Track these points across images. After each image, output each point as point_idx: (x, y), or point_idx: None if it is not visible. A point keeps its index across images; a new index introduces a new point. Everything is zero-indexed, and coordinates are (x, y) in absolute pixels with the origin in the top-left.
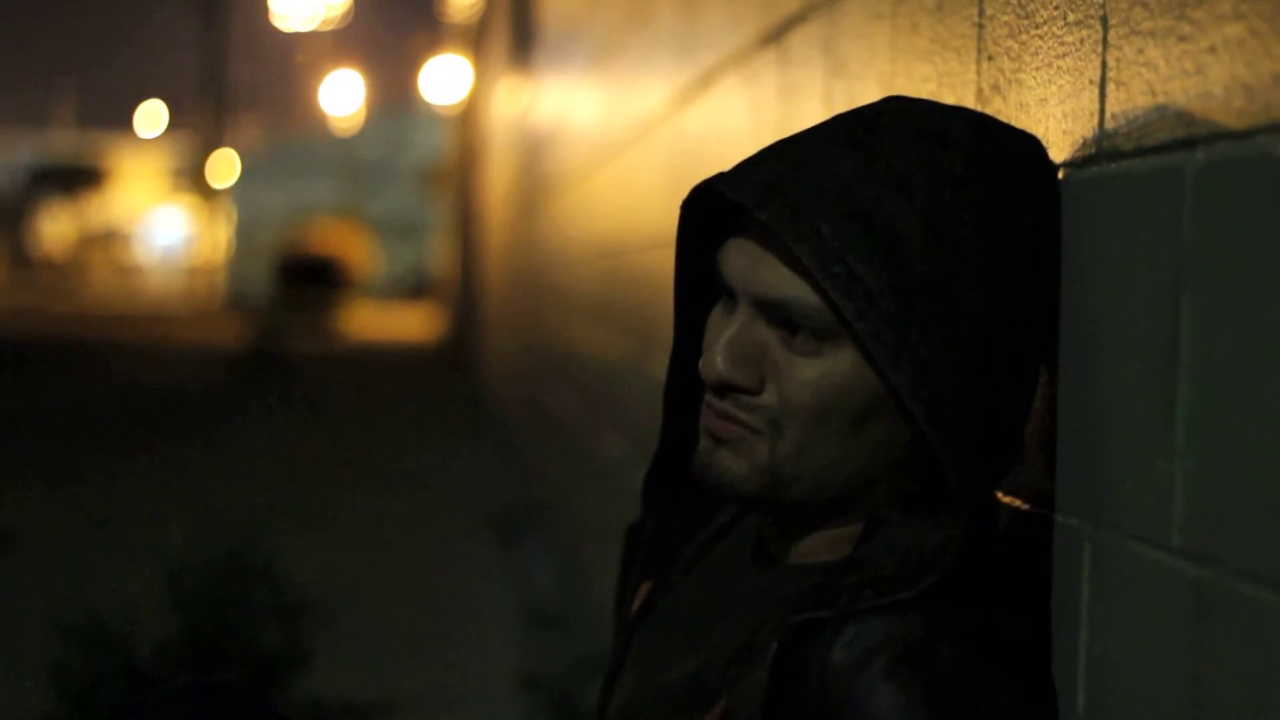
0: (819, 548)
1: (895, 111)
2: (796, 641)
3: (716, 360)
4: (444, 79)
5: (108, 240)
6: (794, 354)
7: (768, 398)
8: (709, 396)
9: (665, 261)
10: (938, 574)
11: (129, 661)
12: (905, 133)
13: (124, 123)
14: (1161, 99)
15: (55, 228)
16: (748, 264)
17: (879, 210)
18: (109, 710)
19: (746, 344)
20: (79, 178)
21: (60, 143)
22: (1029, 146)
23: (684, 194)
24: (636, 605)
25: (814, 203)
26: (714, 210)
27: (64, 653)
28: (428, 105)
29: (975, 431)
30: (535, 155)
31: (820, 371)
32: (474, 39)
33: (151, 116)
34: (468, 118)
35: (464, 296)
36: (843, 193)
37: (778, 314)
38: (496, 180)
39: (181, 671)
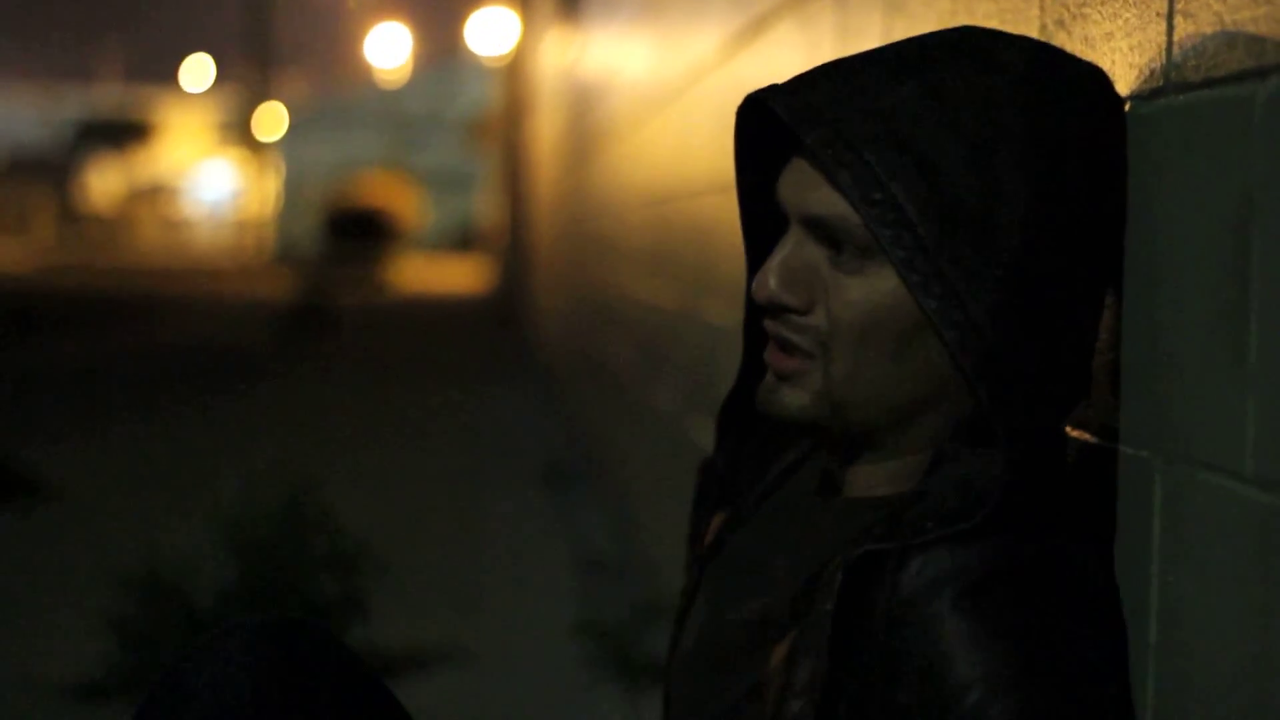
0: (885, 482)
1: (955, 40)
2: (861, 575)
3: (768, 281)
4: (491, 30)
5: (155, 195)
6: (841, 273)
7: (816, 318)
8: (766, 320)
9: (717, 208)
10: (992, 505)
11: (189, 611)
12: (961, 61)
13: (170, 77)
14: (1230, 29)
15: (103, 183)
16: (797, 184)
17: (925, 139)
18: (177, 653)
19: (797, 265)
20: (126, 133)
21: (107, 98)
22: (1091, 78)
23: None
24: (708, 540)
25: (861, 129)
26: (775, 125)
27: (124, 603)
28: (475, 57)
29: (1019, 361)
30: (584, 105)
31: (864, 291)
32: None
33: (198, 71)
34: (515, 69)
35: (513, 248)
36: (891, 120)
37: (824, 232)
38: (545, 131)
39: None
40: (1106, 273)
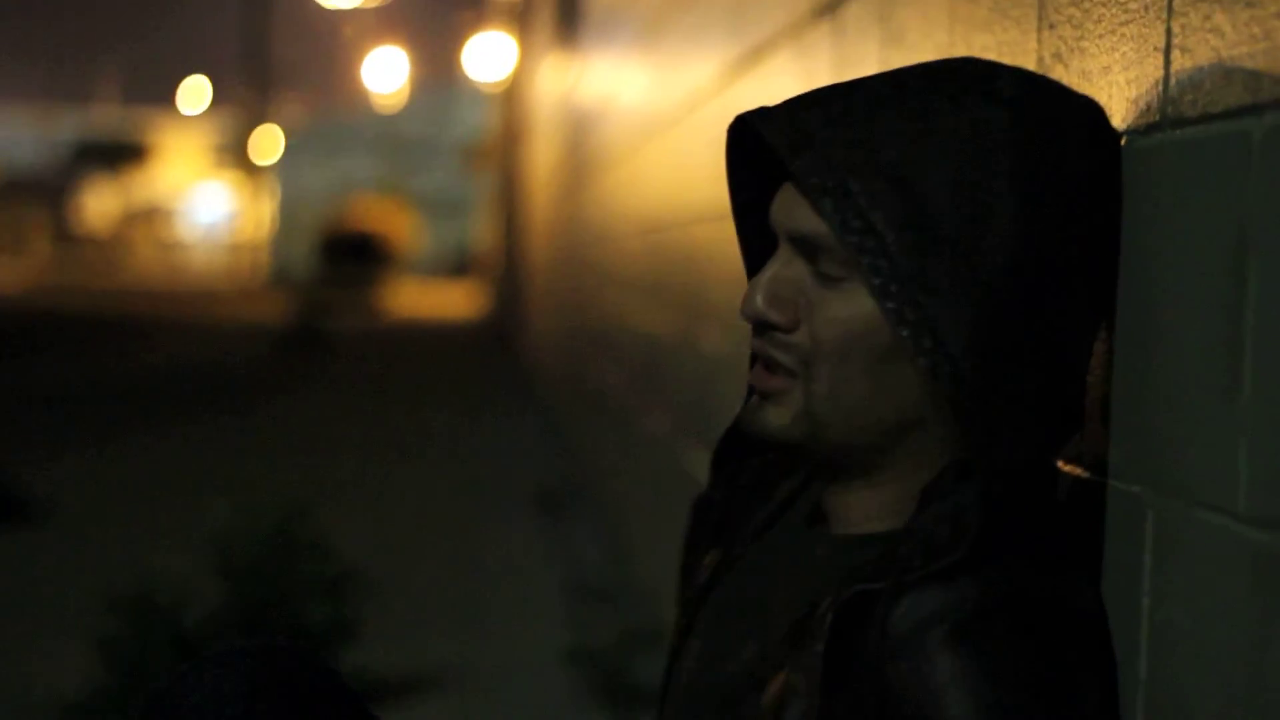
0: (877, 516)
1: (950, 70)
2: (852, 614)
3: (755, 299)
4: (488, 56)
5: (151, 217)
6: (824, 290)
7: (800, 336)
8: (753, 339)
9: (712, 236)
10: (970, 539)
11: (177, 632)
12: (953, 91)
13: (167, 99)
14: (1227, 64)
15: (99, 204)
16: (786, 204)
17: (911, 168)
18: (165, 675)
19: (784, 283)
20: (122, 154)
21: (103, 119)
22: (1086, 110)
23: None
24: (702, 578)
25: (846, 156)
26: (768, 145)
27: (111, 624)
28: (471, 82)
29: (996, 392)
30: (581, 132)
31: (845, 309)
32: (518, 15)
33: (195, 92)
34: (512, 94)
35: (508, 273)
36: (877, 148)
37: (809, 251)
38: (541, 157)
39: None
40: (1098, 306)
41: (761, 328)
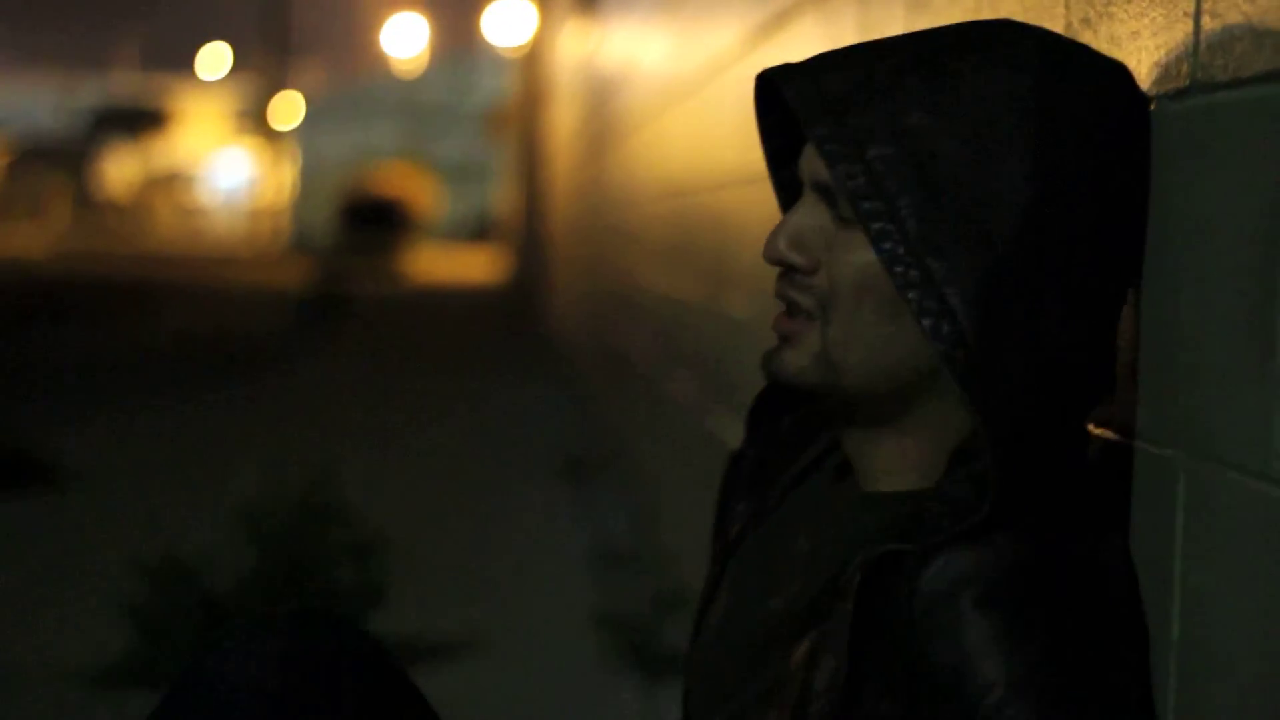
0: (900, 471)
1: (974, 34)
2: (880, 574)
3: (777, 242)
4: (509, 20)
5: (171, 183)
6: (844, 234)
7: (820, 279)
8: (776, 283)
9: (737, 200)
10: (992, 498)
11: (206, 598)
12: (974, 55)
13: (186, 65)
14: (1258, 28)
15: (119, 171)
16: (810, 153)
17: (927, 134)
18: (195, 642)
19: (806, 228)
20: (142, 120)
21: (123, 85)
22: (1113, 75)
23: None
24: (733, 533)
25: (863, 121)
26: None
27: (140, 591)
28: (492, 47)
29: (1002, 358)
30: (603, 97)
31: (864, 255)
32: None
33: (215, 58)
34: (533, 59)
35: (530, 239)
36: (896, 114)
37: (828, 196)
38: (563, 122)
39: (259, 607)
40: (1125, 271)
41: (784, 271)
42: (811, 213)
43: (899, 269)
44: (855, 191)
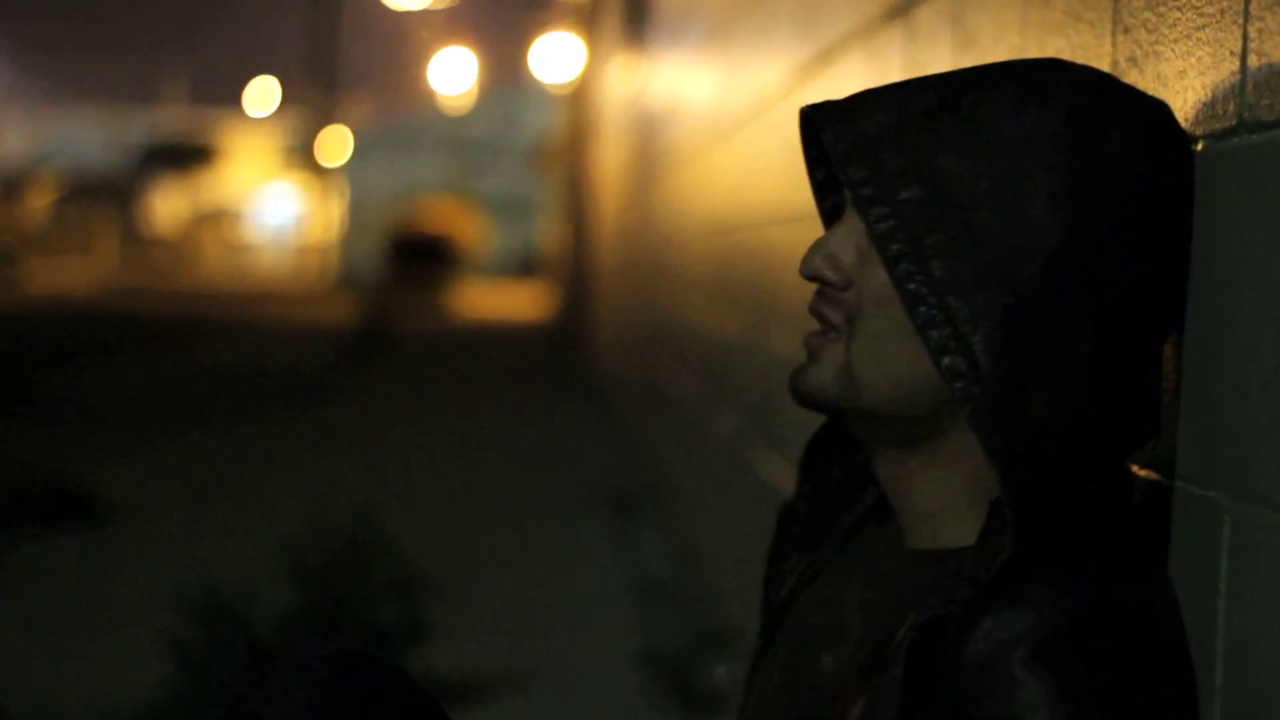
0: (946, 517)
1: (1013, 73)
2: (929, 638)
3: (814, 257)
4: (555, 57)
5: (219, 219)
6: (876, 249)
7: (851, 294)
8: (812, 299)
9: (782, 238)
10: (1003, 559)
11: (249, 635)
12: (1010, 95)
13: (235, 100)
14: None
15: (167, 206)
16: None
17: (957, 177)
18: (238, 679)
19: (843, 244)
20: (190, 156)
21: (171, 121)
22: (1153, 114)
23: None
24: (785, 588)
25: (896, 165)
26: None
27: (183, 626)
28: (539, 83)
29: (1020, 401)
30: (649, 133)
31: None
32: (586, 16)
33: (263, 93)
34: (580, 96)
35: (576, 274)
36: (931, 157)
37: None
38: (609, 158)
39: (301, 644)
40: (1164, 313)
41: (819, 288)
42: (848, 229)
43: (921, 309)
44: (884, 235)
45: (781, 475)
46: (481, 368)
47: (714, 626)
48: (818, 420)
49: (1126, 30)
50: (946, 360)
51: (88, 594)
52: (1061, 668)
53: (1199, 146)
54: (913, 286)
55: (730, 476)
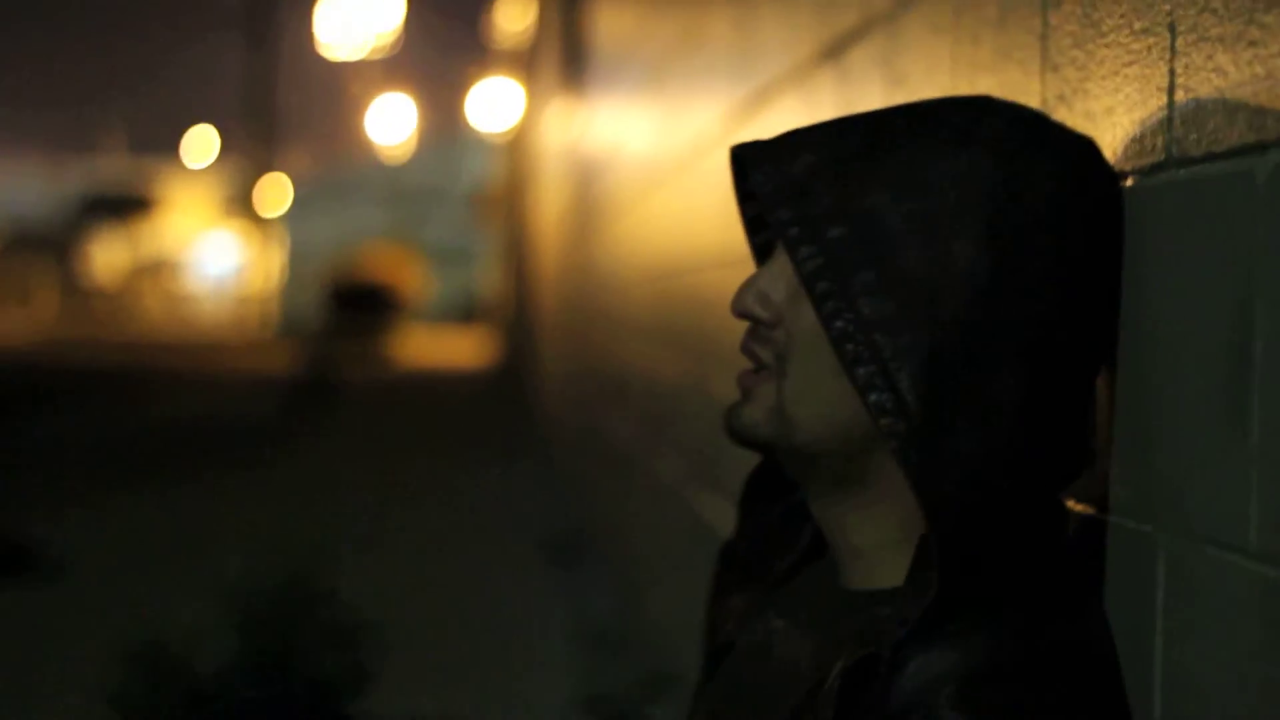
0: (887, 566)
1: (940, 110)
2: (860, 680)
3: (744, 295)
4: (494, 104)
5: (158, 269)
6: (805, 289)
7: (780, 331)
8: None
9: (722, 282)
10: (938, 580)
11: (191, 684)
12: (937, 134)
13: (173, 149)
14: (1231, 102)
15: (106, 256)
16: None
17: (883, 215)
18: None
19: (773, 283)
20: (129, 206)
21: (110, 170)
22: (1079, 151)
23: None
24: (725, 631)
25: (825, 203)
26: None
27: (124, 677)
28: (478, 131)
29: (963, 435)
30: (588, 179)
31: None
32: (525, 63)
33: (201, 143)
34: (518, 143)
35: (517, 321)
36: (855, 196)
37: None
38: (548, 204)
39: (245, 694)
40: (1094, 349)
41: (751, 326)
42: (779, 268)
43: (849, 346)
44: (812, 273)
45: (723, 518)
46: (424, 415)
47: (656, 671)
48: (759, 462)
49: (1055, 68)
50: (873, 397)
51: (28, 646)
52: (987, 706)
53: (1128, 181)
54: (840, 324)
55: (672, 520)
